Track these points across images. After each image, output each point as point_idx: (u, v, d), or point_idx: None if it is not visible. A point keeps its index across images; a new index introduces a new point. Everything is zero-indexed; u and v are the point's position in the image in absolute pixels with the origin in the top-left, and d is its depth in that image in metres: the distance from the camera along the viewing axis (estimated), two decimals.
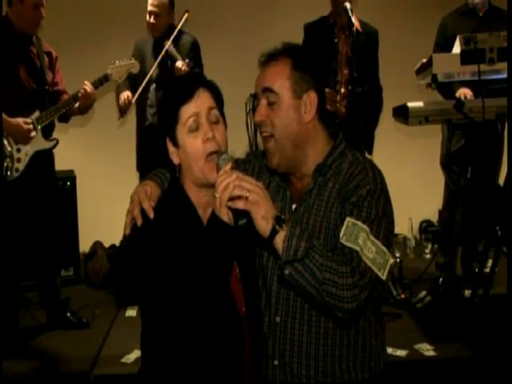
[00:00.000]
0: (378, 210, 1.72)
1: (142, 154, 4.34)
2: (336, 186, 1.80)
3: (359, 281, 1.61)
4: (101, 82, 3.70)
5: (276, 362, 1.83)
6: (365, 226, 1.68)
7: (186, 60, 4.05)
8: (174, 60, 4.09)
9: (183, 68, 3.98)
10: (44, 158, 3.61)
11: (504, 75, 3.42)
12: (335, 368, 1.79)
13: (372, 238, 1.68)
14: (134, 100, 4.15)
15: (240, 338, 1.76)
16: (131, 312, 3.98)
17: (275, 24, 5.23)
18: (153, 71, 4.13)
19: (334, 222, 1.76)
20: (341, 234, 1.69)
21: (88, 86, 3.56)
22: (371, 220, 1.70)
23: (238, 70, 4.56)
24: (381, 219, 1.72)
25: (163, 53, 4.08)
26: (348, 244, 1.67)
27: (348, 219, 1.70)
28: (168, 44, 4.09)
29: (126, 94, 4.18)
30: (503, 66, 3.25)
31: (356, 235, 1.67)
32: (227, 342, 1.73)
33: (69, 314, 3.77)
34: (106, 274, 4.53)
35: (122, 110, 4.19)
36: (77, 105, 3.63)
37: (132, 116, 4.44)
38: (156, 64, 4.09)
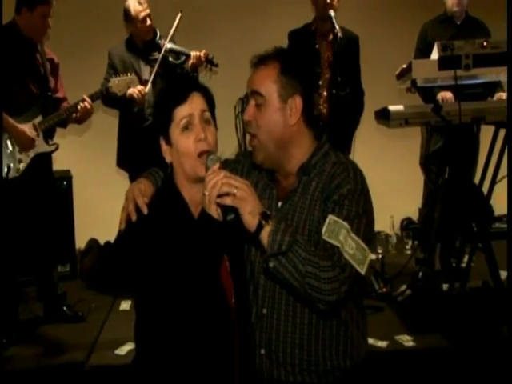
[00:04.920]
0: (358, 209, 1.76)
1: (129, 150, 4.32)
2: (319, 185, 1.84)
3: (339, 275, 1.65)
4: (102, 94, 3.78)
5: (263, 351, 1.88)
6: (346, 224, 1.72)
7: (204, 50, 4.16)
8: (184, 54, 4.18)
9: (203, 54, 4.11)
10: (42, 159, 3.67)
11: (479, 80, 3.53)
12: (319, 356, 1.85)
13: (352, 234, 1.71)
14: (147, 89, 4.12)
15: (230, 328, 1.80)
16: (125, 306, 4.04)
17: (264, 29, 5.27)
18: (147, 71, 4.17)
19: (317, 220, 1.80)
20: (323, 231, 1.73)
21: (87, 102, 3.62)
22: (352, 218, 1.74)
23: (227, 73, 4.62)
24: (361, 217, 1.76)
25: (163, 52, 4.14)
26: (330, 240, 1.71)
27: (330, 217, 1.74)
28: (166, 43, 4.16)
29: (139, 89, 4.08)
30: (478, 71, 3.32)
31: (337, 232, 1.70)
32: (218, 332, 1.78)
33: (65, 308, 3.83)
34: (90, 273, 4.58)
35: (139, 103, 4.15)
36: (74, 115, 3.67)
37: None
38: (158, 64, 4.13)
